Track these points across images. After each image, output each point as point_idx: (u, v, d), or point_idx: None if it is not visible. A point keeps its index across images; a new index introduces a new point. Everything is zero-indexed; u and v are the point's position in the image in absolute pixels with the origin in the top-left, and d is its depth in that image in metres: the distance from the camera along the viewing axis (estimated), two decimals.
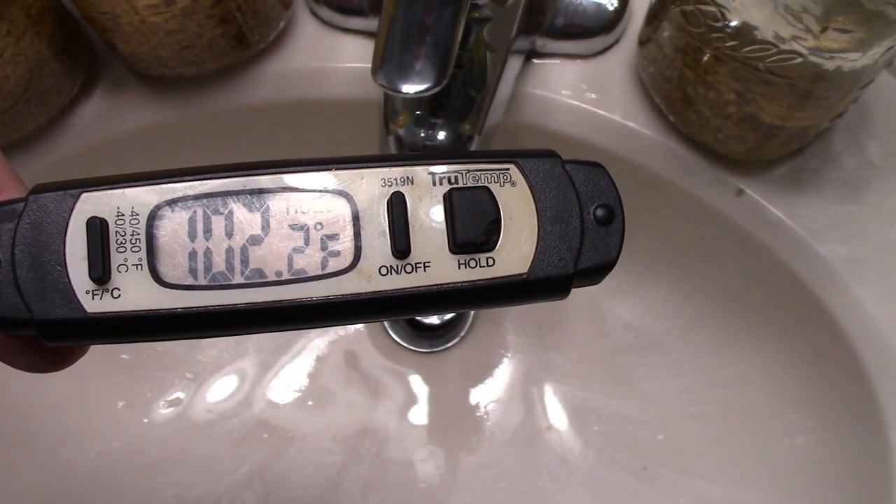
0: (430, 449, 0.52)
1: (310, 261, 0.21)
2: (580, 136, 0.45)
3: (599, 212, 0.22)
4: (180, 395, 0.52)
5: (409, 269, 0.21)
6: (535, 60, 0.45)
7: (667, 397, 0.51)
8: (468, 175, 0.22)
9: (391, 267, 0.21)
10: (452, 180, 0.22)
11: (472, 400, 0.53)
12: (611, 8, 0.44)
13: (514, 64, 0.43)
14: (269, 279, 0.21)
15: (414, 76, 0.31)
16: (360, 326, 0.55)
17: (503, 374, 0.54)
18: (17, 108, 0.40)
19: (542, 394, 0.53)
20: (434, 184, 0.22)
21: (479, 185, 0.22)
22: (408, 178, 0.22)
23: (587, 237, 0.22)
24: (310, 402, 0.53)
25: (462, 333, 0.55)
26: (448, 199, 0.22)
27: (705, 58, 0.37)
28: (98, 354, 0.52)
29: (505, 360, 0.54)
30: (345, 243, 0.21)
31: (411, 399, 0.53)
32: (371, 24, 0.45)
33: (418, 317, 0.52)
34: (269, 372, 0.53)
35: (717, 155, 0.43)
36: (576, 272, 0.22)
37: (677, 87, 0.40)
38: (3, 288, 0.21)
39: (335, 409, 0.53)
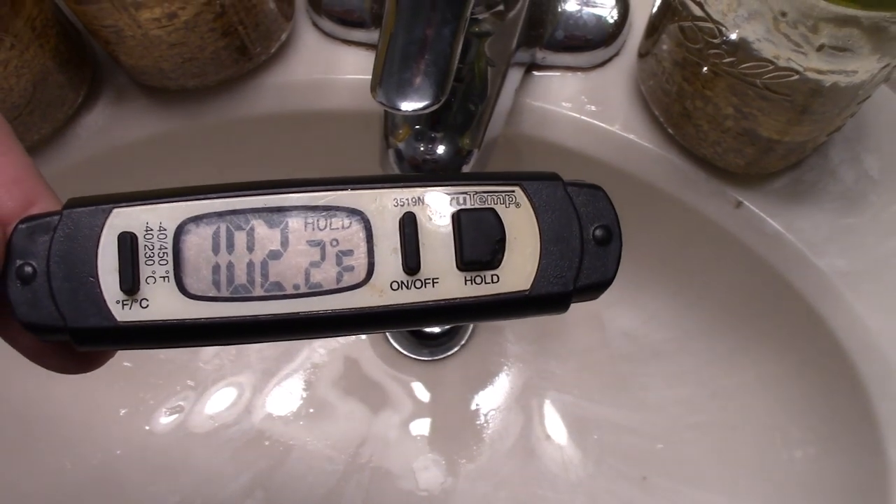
0: (431, 457, 0.52)
1: (326, 275, 0.23)
2: (580, 148, 0.45)
3: (598, 232, 0.24)
4: (182, 402, 0.52)
5: (418, 284, 0.23)
6: (536, 73, 0.45)
7: (666, 407, 0.51)
8: (475, 196, 0.23)
9: (402, 282, 0.23)
10: (461, 202, 0.23)
11: (473, 408, 0.54)
12: (611, 21, 0.44)
13: (515, 76, 0.43)
14: (287, 292, 0.22)
15: (413, 94, 0.31)
16: (361, 335, 0.55)
17: (503, 383, 0.54)
18: (21, 119, 0.41)
19: (542, 403, 0.53)
20: (444, 205, 0.23)
21: (486, 206, 0.23)
22: (419, 198, 0.23)
23: (586, 256, 0.24)
24: (311, 410, 0.53)
25: (462, 342, 0.55)
26: (456, 220, 0.23)
27: (703, 73, 0.37)
28: None
29: (505, 368, 0.54)
30: (359, 259, 0.23)
31: (412, 407, 0.54)
32: (372, 35, 0.45)
33: (426, 328, 0.53)
34: (271, 380, 0.54)
35: (716, 168, 0.43)
36: (575, 289, 0.23)
37: (676, 100, 0.40)
38: (39, 297, 0.22)
39: (336, 418, 0.53)
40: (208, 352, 0.54)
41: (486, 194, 0.23)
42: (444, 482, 0.52)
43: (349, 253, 0.23)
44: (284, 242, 0.23)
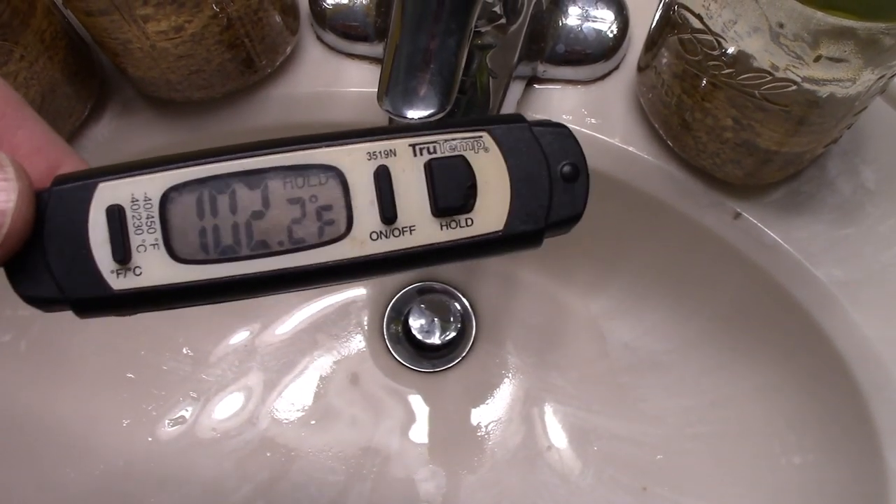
0: (432, 468, 0.53)
1: (308, 230, 0.23)
2: None
3: (566, 169, 0.25)
4: (185, 413, 0.53)
5: (396, 233, 0.24)
6: (537, 86, 0.46)
7: (666, 417, 0.52)
8: (445, 144, 0.24)
9: (381, 232, 0.24)
10: (431, 150, 0.24)
11: (473, 419, 0.54)
12: (611, 35, 0.44)
13: (516, 89, 0.43)
14: (272, 249, 0.23)
15: (418, 102, 0.31)
16: (363, 347, 0.55)
17: (504, 394, 0.54)
18: None
19: (543, 414, 0.53)
20: (415, 154, 0.24)
21: (456, 153, 0.24)
22: (391, 150, 0.24)
23: (555, 193, 0.25)
24: (313, 422, 0.53)
25: (463, 354, 0.55)
26: (428, 168, 0.24)
27: (702, 85, 0.37)
28: (104, 373, 0.53)
29: (506, 380, 0.55)
30: (338, 213, 0.24)
31: (413, 418, 0.54)
32: (376, 49, 0.46)
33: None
34: (273, 391, 0.54)
35: (715, 179, 0.43)
36: (547, 226, 0.24)
37: (675, 112, 0.41)
38: (37, 272, 0.23)
39: (338, 428, 0.53)
40: (211, 362, 0.54)
41: (455, 142, 0.24)
42: (446, 493, 0.52)
43: (328, 208, 0.23)
44: (266, 202, 0.23)
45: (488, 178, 0.24)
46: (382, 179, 0.24)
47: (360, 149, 0.24)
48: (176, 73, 0.41)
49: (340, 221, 0.23)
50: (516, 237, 0.24)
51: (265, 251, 0.23)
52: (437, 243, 0.24)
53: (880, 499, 0.41)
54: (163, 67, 0.41)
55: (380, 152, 0.24)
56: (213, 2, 0.38)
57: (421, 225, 0.24)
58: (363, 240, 0.23)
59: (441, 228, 0.24)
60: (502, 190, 0.24)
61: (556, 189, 0.24)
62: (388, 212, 0.23)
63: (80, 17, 0.38)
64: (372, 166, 0.24)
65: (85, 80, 0.43)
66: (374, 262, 0.24)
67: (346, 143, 0.24)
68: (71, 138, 0.44)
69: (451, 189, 0.24)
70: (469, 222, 0.24)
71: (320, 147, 0.24)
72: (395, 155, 0.24)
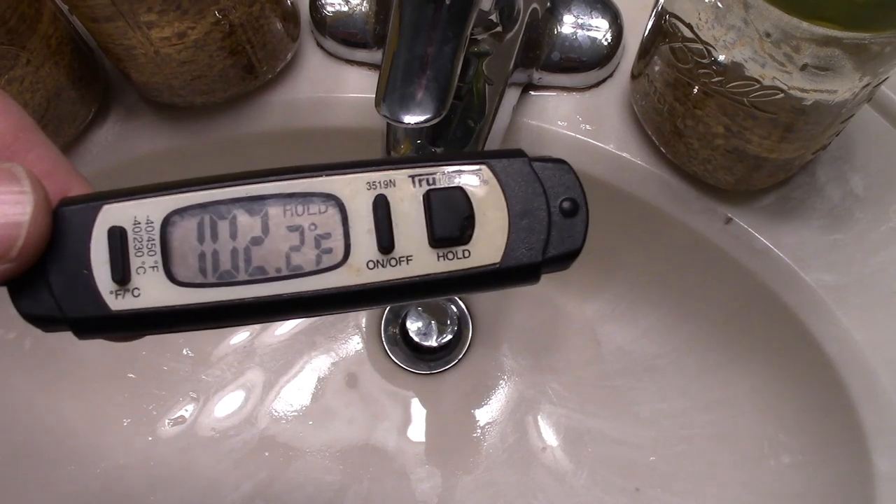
0: (428, 469, 0.53)
1: (305, 258, 0.23)
2: (575, 166, 0.45)
3: (565, 205, 0.25)
4: (184, 413, 0.53)
5: (393, 262, 0.24)
6: (532, 92, 0.46)
7: (659, 420, 0.52)
8: (444, 176, 0.24)
9: (377, 261, 0.24)
10: (430, 182, 0.24)
11: (470, 421, 0.54)
12: (605, 43, 0.45)
13: (512, 96, 0.44)
14: (270, 275, 0.23)
15: (415, 108, 0.32)
16: (360, 348, 0.56)
17: (500, 397, 0.55)
18: None
19: (538, 416, 0.54)
20: (414, 185, 0.24)
21: (454, 185, 0.24)
22: (390, 181, 0.24)
23: (554, 228, 0.24)
24: (310, 422, 0.54)
25: (460, 356, 0.56)
26: (426, 199, 0.24)
27: (694, 92, 0.38)
28: (104, 373, 0.53)
29: (501, 382, 0.55)
30: (336, 241, 0.24)
31: (410, 420, 0.54)
32: (375, 56, 0.46)
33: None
34: (272, 392, 0.54)
35: (707, 185, 0.44)
36: (544, 260, 0.24)
37: (668, 119, 0.41)
38: (38, 291, 0.23)
39: (335, 429, 0.54)
40: (211, 363, 0.54)
41: (454, 174, 0.24)
42: (441, 493, 0.52)
43: (327, 236, 0.24)
44: (265, 229, 0.23)
45: (486, 210, 0.24)
46: (381, 209, 0.24)
47: (360, 178, 0.24)
48: (178, 79, 0.42)
49: (338, 249, 0.24)
50: (513, 270, 0.24)
51: (262, 277, 0.23)
52: (434, 273, 0.24)
53: (868, 500, 0.42)
54: (166, 73, 0.41)
55: (379, 182, 0.24)
56: (216, 9, 0.39)
57: (418, 255, 0.24)
58: (360, 268, 0.23)
59: (438, 259, 0.24)
60: (500, 223, 0.24)
61: (554, 224, 0.24)
62: (386, 241, 0.24)
63: (85, 23, 0.39)
64: (371, 196, 0.24)
65: (89, 85, 0.44)
66: (369, 292, 0.24)
67: (347, 173, 0.24)
68: (75, 142, 0.45)
69: (449, 220, 0.24)
70: (466, 254, 0.24)
71: (321, 176, 0.24)
72: (394, 185, 0.24)
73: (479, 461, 0.53)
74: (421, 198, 0.24)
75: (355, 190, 0.24)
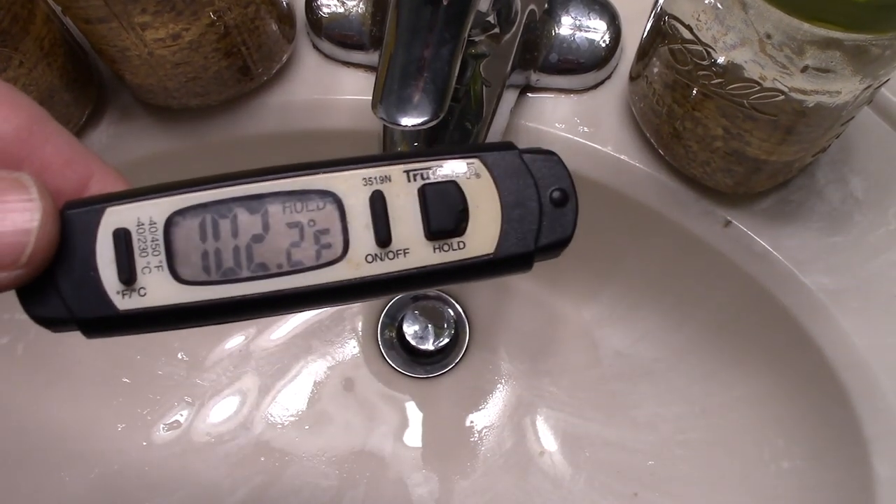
0: (425, 473, 0.53)
1: (306, 253, 0.24)
2: (573, 169, 0.44)
3: (555, 195, 0.25)
4: (179, 417, 0.53)
5: (391, 255, 0.24)
6: (530, 94, 0.46)
7: (657, 424, 0.52)
8: (438, 171, 0.25)
9: (376, 255, 0.24)
10: (425, 176, 0.25)
11: (467, 425, 0.54)
12: (603, 45, 0.45)
13: (510, 98, 0.44)
14: (271, 271, 0.24)
15: (412, 110, 0.32)
16: (356, 352, 0.56)
17: (497, 400, 0.55)
18: None
19: (535, 420, 0.54)
20: (409, 180, 0.25)
21: (448, 179, 0.25)
22: (386, 176, 0.25)
23: (545, 218, 0.25)
24: (307, 427, 0.54)
25: (457, 360, 0.56)
26: (422, 193, 0.25)
27: (693, 94, 0.38)
28: (99, 378, 0.53)
29: (499, 386, 0.55)
30: (335, 237, 0.24)
31: (406, 424, 0.54)
32: (371, 58, 0.46)
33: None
34: (267, 396, 0.54)
35: (706, 188, 0.44)
36: (536, 249, 0.25)
37: (666, 121, 0.41)
38: (47, 294, 0.23)
39: (332, 434, 0.54)
40: (206, 367, 0.54)
41: (447, 168, 0.25)
42: (438, 498, 0.52)
43: (326, 232, 0.24)
44: (265, 226, 0.24)
45: (480, 202, 0.25)
46: (377, 204, 0.24)
47: (357, 175, 0.25)
48: (173, 81, 0.42)
49: (337, 245, 0.24)
50: (507, 260, 0.25)
51: (264, 273, 0.24)
52: (430, 265, 0.25)
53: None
54: (160, 75, 0.41)
55: (375, 178, 0.25)
56: (211, 10, 0.38)
57: (414, 248, 0.24)
58: (359, 262, 0.24)
59: (434, 251, 0.25)
60: (493, 214, 0.25)
61: (545, 214, 0.25)
62: (383, 235, 0.24)
63: (78, 24, 0.38)
64: (367, 191, 0.25)
65: (83, 87, 0.44)
66: (368, 284, 0.24)
67: (343, 170, 0.25)
68: None
69: (444, 213, 0.25)
70: (461, 245, 0.25)
71: (318, 173, 0.25)
72: (389, 181, 0.25)
73: (476, 465, 0.53)
74: (416, 192, 0.25)
75: (352, 186, 0.25)
